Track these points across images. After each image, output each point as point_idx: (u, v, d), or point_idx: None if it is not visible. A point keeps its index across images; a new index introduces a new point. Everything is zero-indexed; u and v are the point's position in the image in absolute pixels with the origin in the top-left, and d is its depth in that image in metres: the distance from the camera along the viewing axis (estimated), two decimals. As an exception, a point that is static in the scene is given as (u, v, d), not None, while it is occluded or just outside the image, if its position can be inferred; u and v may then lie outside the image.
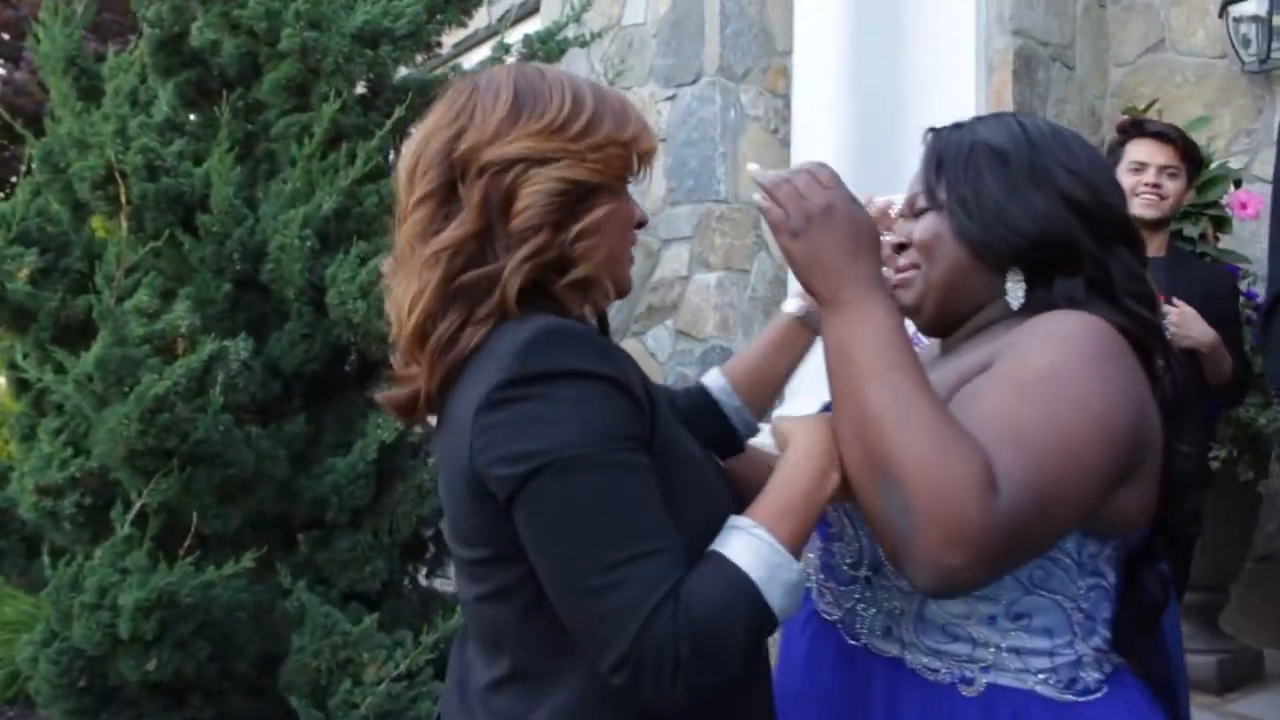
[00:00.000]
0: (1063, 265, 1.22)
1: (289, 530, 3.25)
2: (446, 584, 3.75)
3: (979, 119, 1.34)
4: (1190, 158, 2.75)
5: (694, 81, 4.07)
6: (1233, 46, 3.68)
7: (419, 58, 3.40)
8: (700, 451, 1.19)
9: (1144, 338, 1.19)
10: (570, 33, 3.59)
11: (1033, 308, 1.22)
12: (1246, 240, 3.51)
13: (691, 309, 3.96)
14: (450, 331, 1.07)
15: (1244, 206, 3.15)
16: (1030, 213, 1.21)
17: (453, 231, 1.07)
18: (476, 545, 1.08)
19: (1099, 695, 1.17)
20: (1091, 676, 1.18)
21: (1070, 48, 3.95)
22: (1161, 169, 2.70)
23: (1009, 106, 3.66)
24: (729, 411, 1.45)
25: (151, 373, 2.64)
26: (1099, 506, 1.08)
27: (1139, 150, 2.72)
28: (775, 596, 1.00)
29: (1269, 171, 3.71)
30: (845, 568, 1.27)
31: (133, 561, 2.67)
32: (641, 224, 1.20)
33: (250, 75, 3.26)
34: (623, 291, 1.20)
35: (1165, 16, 4.00)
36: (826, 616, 1.31)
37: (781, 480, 1.09)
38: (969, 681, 1.16)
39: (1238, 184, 3.40)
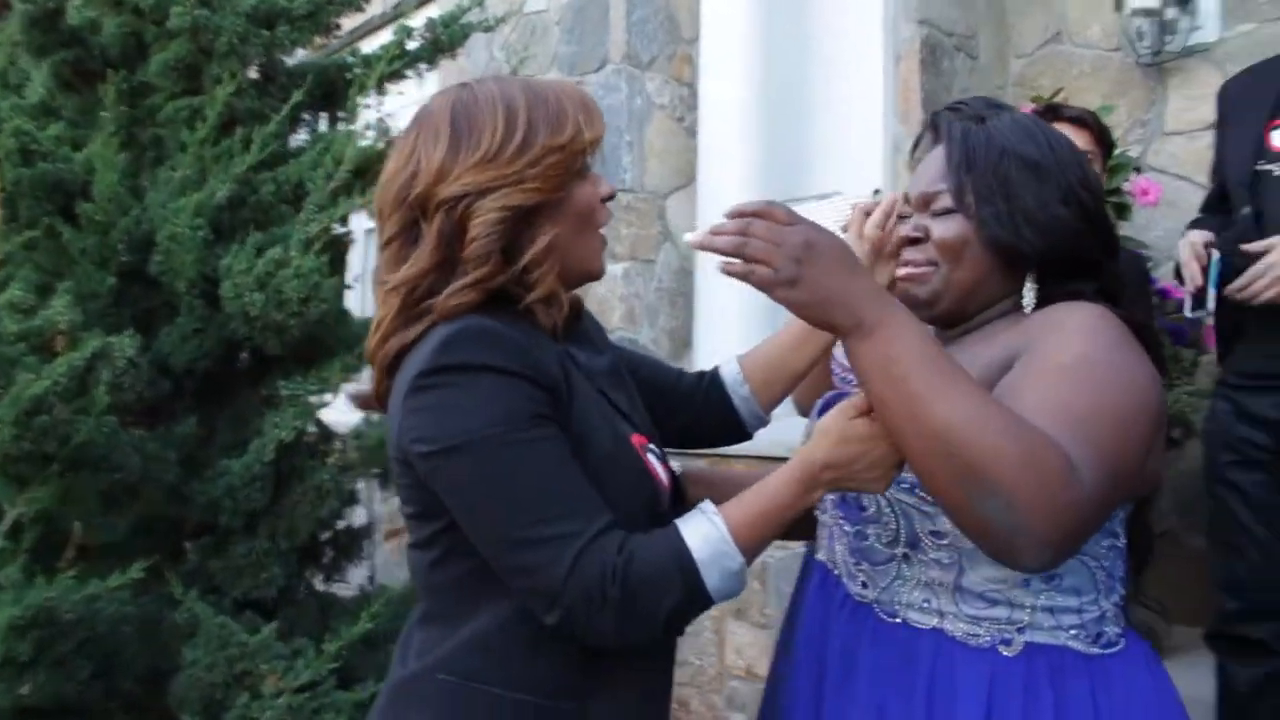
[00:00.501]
0: (1076, 272, 1.33)
1: (177, 538, 3.08)
2: (345, 589, 3.61)
3: (996, 114, 1.39)
4: (1104, 142, 2.77)
5: (599, 69, 3.99)
6: (1128, 40, 3.75)
7: (317, 40, 3.24)
8: (623, 445, 1.27)
9: (1139, 331, 1.28)
10: (474, 18, 3.48)
11: (1036, 305, 1.35)
12: (1142, 227, 3.59)
13: (597, 300, 3.88)
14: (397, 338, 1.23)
15: (1145, 193, 3.20)
16: (1058, 227, 1.30)
17: (409, 268, 1.19)
18: (406, 504, 1.23)
19: (1120, 648, 1.29)
20: (1113, 630, 1.29)
21: (974, 38, 3.98)
22: None
23: (916, 95, 3.67)
24: (737, 401, 1.53)
25: (28, 372, 2.45)
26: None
27: None
28: (712, 577, 1.12)
29: (1162, 161, 3.81)
30: (881, 547, 1.33)
31: (6, 576, 2.48)
32: (609, 198, 1.28)
33: (135, 56, 3.08)
34: (593, 277, 1.31)
35: (1063, 9, 4.05)
36: (861, 598, 1.36)
37: (767, 489, 1.18)
38: (1008, 642, 1.24)
39: (1137, 171, 3.46)
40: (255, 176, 2.93)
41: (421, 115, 1.25)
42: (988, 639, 1.24)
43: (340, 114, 3.57)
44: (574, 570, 1.08)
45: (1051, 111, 2.79)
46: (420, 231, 1.20)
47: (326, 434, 3.26)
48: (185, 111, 2.94)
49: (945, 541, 1.25)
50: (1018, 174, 1.31)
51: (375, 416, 3.07)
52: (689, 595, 1.11)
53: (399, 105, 4.64)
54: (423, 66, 3.40)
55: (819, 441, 1.18)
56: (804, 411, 1.69)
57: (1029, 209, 1.30)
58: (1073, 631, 1.25)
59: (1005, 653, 1.23)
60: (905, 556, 1.30)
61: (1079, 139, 2.70)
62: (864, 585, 1.36)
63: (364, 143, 2.91)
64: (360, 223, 3.95)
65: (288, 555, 3.03)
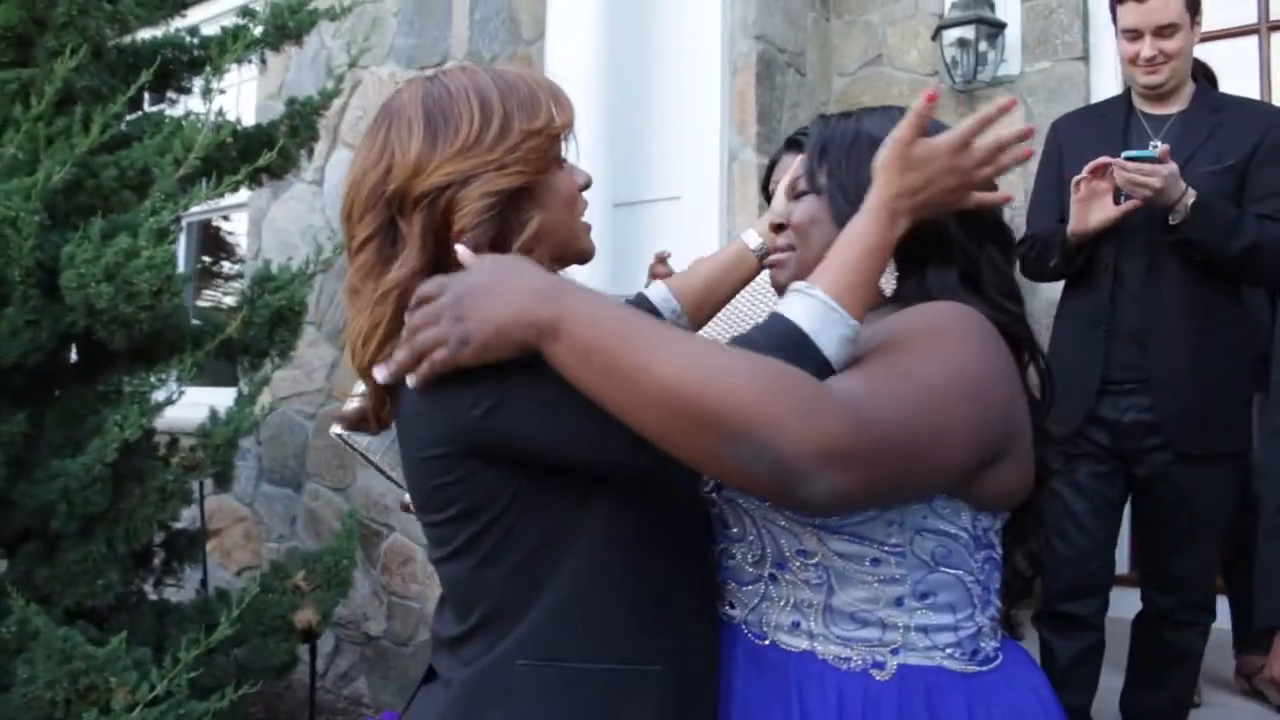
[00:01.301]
0: (935, 256, 1.26)
1: (-2, 544, 2.87)
2: (181, 593, 3.44)
3: (868, 111, 1.37)
4: None
5: (439, 65, 3.94)
6: (945, 66, 4.02)
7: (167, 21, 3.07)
8: None
9: (1013, 330, 1.25)
10: (320, 4, 3.38)
11: (906, 298, 1.27)
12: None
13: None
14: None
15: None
16: None
17: (399, 270, 1.13)
18: (446, 507, 1.14)
19: (998, 662, 1.24)
20: (990, 645, 1.24)
21: (802, 55, 4.17)
22: None
23: (752, 107, 3.82)
24: (668, 315, 1.56)
25: None
26: (976, 475, 1.14)
27: None
28: (830, 346, 1.06)
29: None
30: (748, 568, 1.27)
31: None
32: (585, 187, 1.26)
33: (-49, 20, 2.83)
34: (583, 259, 1.28)
35: (883, 35, 4.31)
36: (729, 619, 1.30)
37: (851, 239, 1.14)
38: (881, 666, 1.18)
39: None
40: (94, 160, 2.75)
41: (391, 109, 1.19)
42: (860, 662, 1.19)
43: (172, 96, 3.40)
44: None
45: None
46: (398, 231, 1.15)
47: (167, 434, 3.10)
48: (14, 84, 2.72)
49: (814, 561, 1.20)
50: (868, 152, 1.23)
51: (222, 413, 2.95)
52: (815, 370, 1.03)
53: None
54: (266, 51, 3.28)
55: (884, 178, 1.14)
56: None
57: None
58: (949, 650, 1.20)
59: (878, 676, 1.18)
60: (772, 577, 1.25)
61: None
62: (731, 606, 1.30)
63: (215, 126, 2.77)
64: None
65: (124, 560, 2.87)
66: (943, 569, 1.20)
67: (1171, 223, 2.48)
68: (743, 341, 1.06)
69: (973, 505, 1.20)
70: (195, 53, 3.22)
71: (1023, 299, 1.32)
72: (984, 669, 1.22)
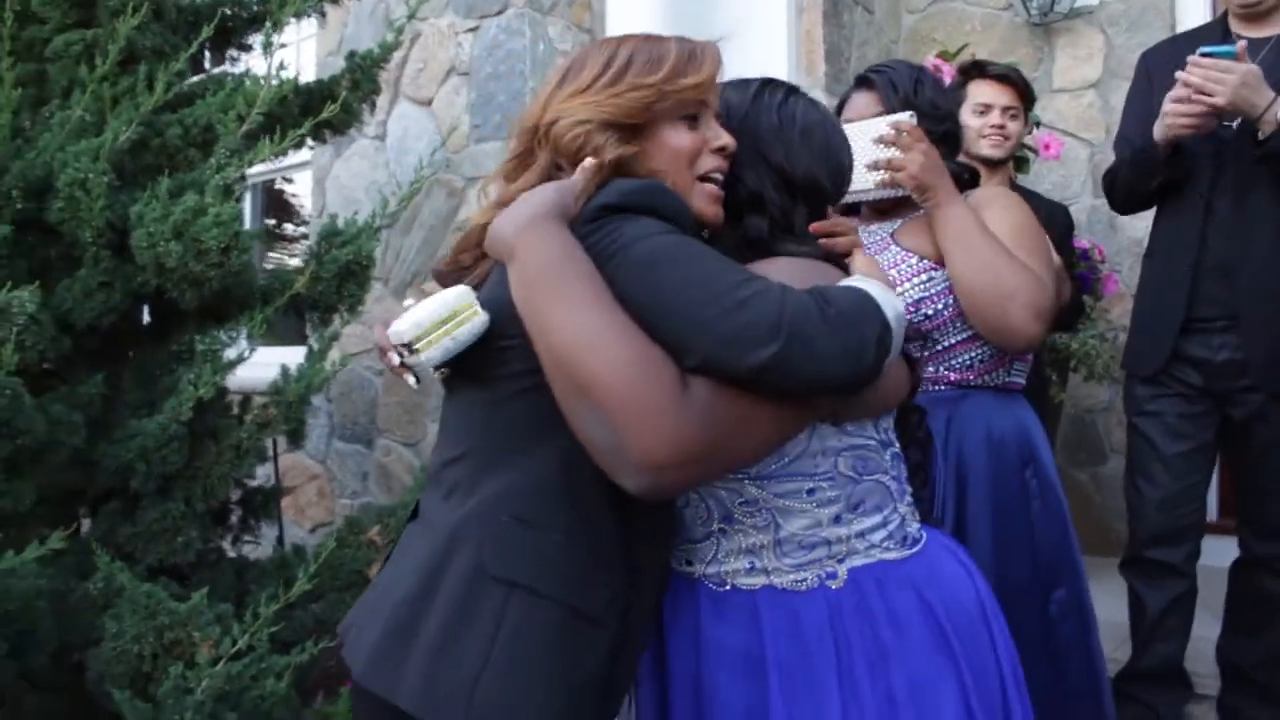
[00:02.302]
0: (752, 209, 1.45)
1: (79, 504, 2.90)
2: (258, 550, 3.48)
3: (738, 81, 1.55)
4: (1026, 98, 2.86)
5: (500, 12, 3.88)
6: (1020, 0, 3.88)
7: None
8: None
9: (834, 261, 1.44)
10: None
11: (727, 240, 1.43)
12: (1032, 180, 3.74)
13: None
14: None
15: (1047, 148, 3.33)
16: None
17: (519, 185, 1.34)
18: (515, 334, 1.23)
19: (924, 541, 1.44)
20: (913, 527, 1.45)
21: (870, -8, 4.05)
22: (1005, 110, 2.79)
23: (819, 46, 3.72)
24: None
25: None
26: (837, 408, 1.31)
27: (982, 92, 2.80)
28: (890, 312, 1.19)
29: (1049, 118, 3.96)
30: (699, 526, 1.42)
31: (-92, 551, 2.29)
32: (720, 149, 1.40)
33: (14, -18, 2.82)
34: (699, 222, 1.39)
35: (954, -33, 4.17)
36: (689, 574, 1.44)
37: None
38: (834, 576, 1.36)
39: (1038, 125, 3.59)
40: (158, 119, 2.74)
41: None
42: (814, 580, 1.35)
43: (232, 53, 3.39)
44: (786, 296, 1.12)
45: (977, 68, 2.87)
46: (535, 156, 1.36)
47: (240, 393, 3.12)
48: (79, 45, 2.71)
49: (756, 507, 1.36)
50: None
51: (293, 369, 2.95)
52: (883, 324, 1.17)
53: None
54: (325, 5, 3.24)
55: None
56: None
57: None
58: (884, 544, 1.38)
59: (834, 586, 1.35)
60: (722, 530, 1.39)
61: (1004, 96, 2.78)
62: (689, 563, 1.44)
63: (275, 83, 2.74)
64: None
65: (203, 518, 2.89)
66: (866, 478, 1.38)
67: (1260, 137, 2.35)
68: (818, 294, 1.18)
69: (873, 415, 1.38)
70: (255, 8, 3.19)
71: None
72: (913, 551, 1.42)
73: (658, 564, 1.40)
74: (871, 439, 1.39)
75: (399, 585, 1.32)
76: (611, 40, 1.40)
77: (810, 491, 1.35)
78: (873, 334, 1.15)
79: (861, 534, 1.37)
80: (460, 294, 1.26)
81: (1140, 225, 3.79)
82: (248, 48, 3.32)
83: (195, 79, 3.15)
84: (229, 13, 3.07)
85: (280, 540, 3.63)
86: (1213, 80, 2.31)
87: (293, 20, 3.08)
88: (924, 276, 2.01)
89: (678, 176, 1.36)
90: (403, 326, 1.25)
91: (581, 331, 1.10)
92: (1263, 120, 2.32)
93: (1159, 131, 2.48)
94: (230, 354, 2.81)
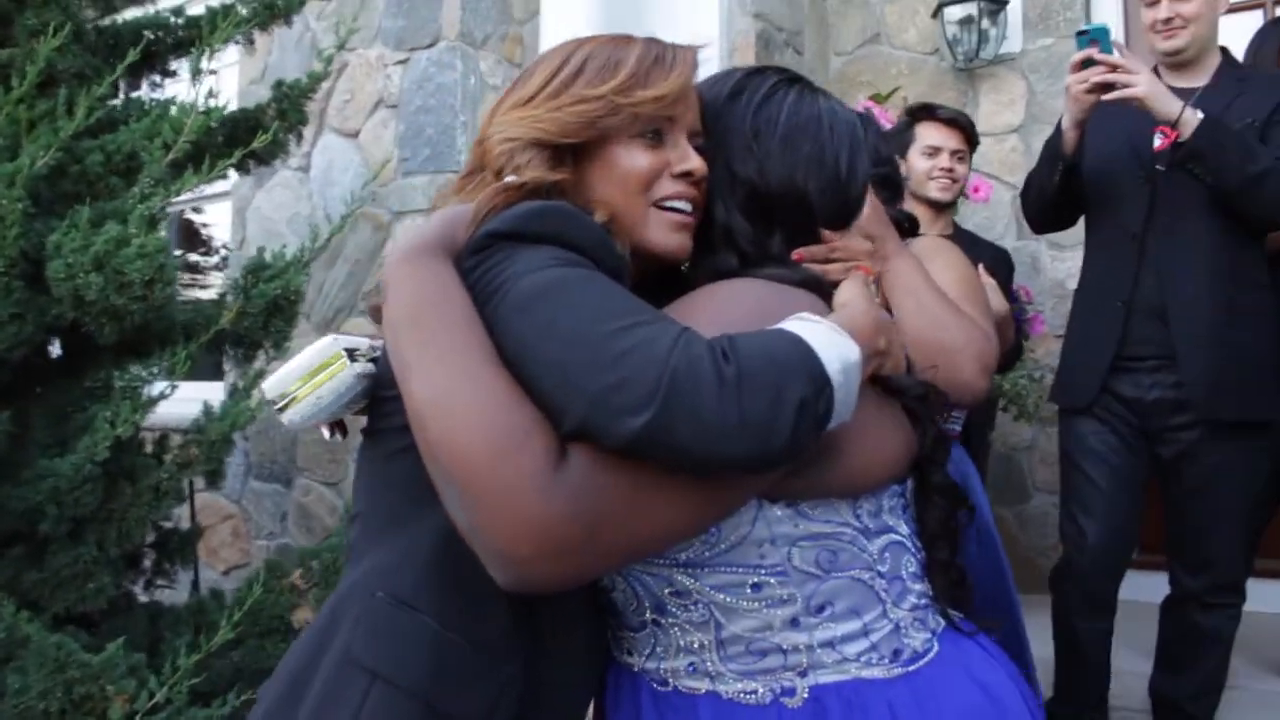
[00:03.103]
0: (722, 243, 1.21)
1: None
2: (173, 595, 3.32)
3: (716, 77, 1.31)
4: (972, 141, 2.91)
5: (430, 45, 3.82)
6: (946, 44, 3.96)
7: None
8: None
9: (814, 288, 1.17)
10: (308, -19, 3.26)
11: (695, 280, 1.20)
12: (958, 223, 3.80)
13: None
14: None
15: (976, 190, 3.39)
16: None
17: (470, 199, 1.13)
18: (391, 385, 1.04)
19: (930, 656, 1.14)
20: (917, 639, 1.14)
21: (800, 34, 4.10)
22: (953, 153, 2.83)
23: (751, 90, 3.74)
24: None
25: None
26: (789, 479, 1.02)
27: (931, 135, 2.83)
28: (833, 363, 0.94)
29: (975, 161, 4.04)
30: (631, 614, 1.17)
31: None
32: (682, 174, 1.18)
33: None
34: (651, 252, 1.19)
35: (881, 13, 4.24)
36: (629, 666, 1.21)
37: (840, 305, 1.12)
38: (791, 693, 1.09)
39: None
40: (77, 144, 2.63)
41: None
42: (768, 694, 1.10)
43: (154, 79, 3.28)
44: (680, 342, 0.89)
45: (925, 110, 2.90)
46: (485, 171, 1.18)
47: (150, 430, 2.99)
48: (-8, 66, 2.59)
49: (692, 600, 1.11)
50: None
51: (216, 407, 2.84)
52: (814, 382, 0.91)
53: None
54: (254, 31, 3.16)
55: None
56: None
57: None
58: (864, 658, 1.10)
59: (790, 704, 1.09)
60: (656, 621, 1.15)
61: (953, 139, 2.82)
62: (628, 653, 1.21)
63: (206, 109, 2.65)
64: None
65: (115, 563, 2.75)
66: (834, 575, 1.09)
67: (1180, 139, 2.43)
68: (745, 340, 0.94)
69: (845, 495, 1.09)
70: (180, 34, 3.10)
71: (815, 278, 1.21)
72: (911, 669, 1.12)
73: (572, 668, 1.19)
74: (845, 526, 1.10)
75: (287, 659, 1.17)
76: (574, 42, 1.22)
77: (755, 587, 1.08)
78: (794, 396, 0.89)
79: (829, 643, 1.09)
80: (326, 344, 1.12)
81: (1062, 266, 3.88)
82: (171, 73, 3.22)
83: (114, 101, 3.04)
84: (153, 37, 2.97)
85: (195, 585, 3.48)
86: (1128, 70, 2.42)
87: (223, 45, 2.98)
88: None
89: (628, 203, 1.16)
90: (269, 382, 1.13)
91: (437, 389, 0.91)
92: (1181, 122, 2.42)
93: (1066, 119, 2.59)
94: (151, 391, 2.69)
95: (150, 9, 3.27)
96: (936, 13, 3.96)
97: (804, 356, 0.92)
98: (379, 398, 1.13)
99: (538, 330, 0.93)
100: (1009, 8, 3.91)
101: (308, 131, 3.86)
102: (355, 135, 4.02)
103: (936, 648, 1.14)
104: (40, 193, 2.56)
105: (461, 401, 0.90)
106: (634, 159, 1.16)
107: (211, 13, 3.00)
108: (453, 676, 1.06)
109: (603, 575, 1.12)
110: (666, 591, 1.11)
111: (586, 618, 1.20)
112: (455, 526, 0.94)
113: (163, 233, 2.51)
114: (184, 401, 3.01)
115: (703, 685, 1.12)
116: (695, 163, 1.18)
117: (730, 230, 1.20)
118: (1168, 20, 2.63)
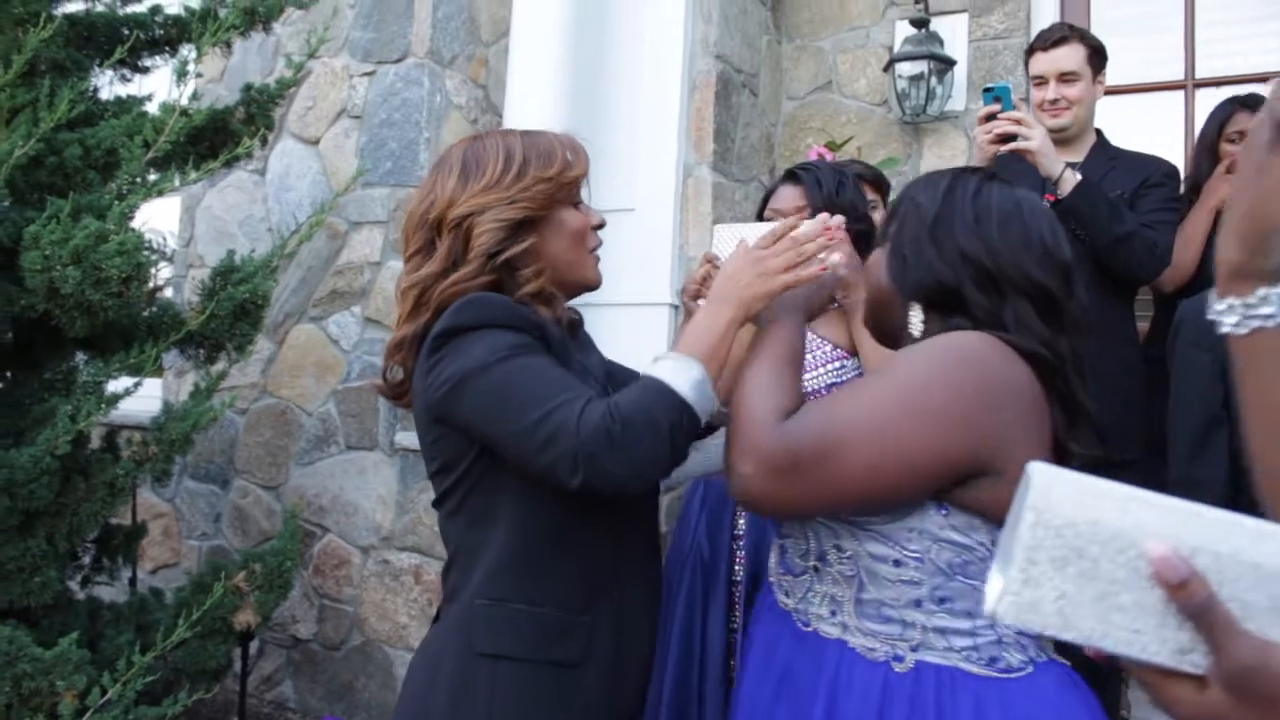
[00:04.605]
0: (955, 307, 1.41)
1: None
2: (109, 592, 3.29)
3: (930, 177, 1.54)
4: (884, 192, 3.03)
5: (398, 60, 3.86)
6: (895, 97, 4.13)
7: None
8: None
9: (1042, 359, 1.34)
10: (288, -10, 3.29)
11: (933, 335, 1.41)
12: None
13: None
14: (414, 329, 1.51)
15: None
16: (924, 264, 1.42)
17: (421, 272, 1.50)
18: (432, 461, 1.50)
19: (1024, 673, 1.31)
20: (1015, 658, 1.31)
21: (757, 76, 4.23)
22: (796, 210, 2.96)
23: (709, 125, 3.86)
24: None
25: None
26: (954, 489, 1.27)
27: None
28: (683, 387, 1.34)
29: (914, 213, 4.23)
30: (797, 560, 1.45)
31: None
32: (598, 226, 1.59)
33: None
34: (589, 287, 1.61)
35: (834, 62, 4.40)
36: (784, 605, 1.47)
37: (692, 321, 1.47)
38: (900, 659, 1.31)
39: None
40: (55, 136, 2.62)
41: (441, 159, 1.56)
42: (883, 654, 1.32)
43: (125, 74, 3.27)
44: (582, 419, 1.27)
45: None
46: (436, 247, 1.50)
47: (114, 430, 2.98)
48: (-26, 53, 2.58)
49: (848, 555, 1.35)
50: (910, 217, 1.47)
51: (177, 405, 2.84)
52: (675, 407, 1.32)
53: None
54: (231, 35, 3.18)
55: (718, 277, 1.49)
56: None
57: (907, 246, 1.45)
58: (964, 653, 1.30)
59: (897, 669, 1.30)
60: (816, 569, 1.41)
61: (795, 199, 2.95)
62: (786, 594, 1.47)
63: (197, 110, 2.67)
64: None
65: (62, 558, 2.73)
66: (959, 578, 1.30)
67: (1058, 194, 2.71)
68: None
69: (990, 520, 1.29)
70: (157, 32, 3.10)
71: (1054, 337, 1.39)
72: (1003, 676, 1.30)
73: (640, 606, 1.52)
74: (979, 544, 1.31)
75: (409, 681, 1.49)
76: (491, 135, 1.55)
77: (897, 564, 1.31)
78: (664, 425, 1.30)
79: (941, 631, 1.31)
80: None
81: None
82: (144, 69, 3.22)
83: (91, 94, 3.03)
84: (139, 36, 2.97)
85: (133, 582, 3.45)
86: (1027, 125, 2.69)
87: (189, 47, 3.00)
88: (836, 364, 2.20)
89: (577, 254, 1.56)
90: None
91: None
92: (1062, 180, 2.70)
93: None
94: (114, 387, 2.69)
95: (124, 4, 3.26)
96: (888, 67, 4.14)
97: (662, 393, 1.33)
98: (451, 483, 1.48)
99: (490, 417, 1.33)
100: (955, 68, 4.10)
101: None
102: (315, 143, 4.03)
103: (1032, 670, 1.31)
104: (15, 182, 2.55)
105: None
106: (575, 220, 1.55)
107: (194, 14, 3.02)
108: (553, 635, 1.40)
109: (808, 510, 1.37)
110: (831, 544, 1.37)
111: (647, 570, 1.57)
112: (517, 535, 1.42)
113: (142, 231, 2.51)
114: (131, 398, 3.01)
115: (836, 632, 1.37)
116: (600, 216, 1.60)
117: (962, 298, 1.39)
118: (1054, 100, 2.95)
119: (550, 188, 1.50)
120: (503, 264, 1.48)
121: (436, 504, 1.52)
